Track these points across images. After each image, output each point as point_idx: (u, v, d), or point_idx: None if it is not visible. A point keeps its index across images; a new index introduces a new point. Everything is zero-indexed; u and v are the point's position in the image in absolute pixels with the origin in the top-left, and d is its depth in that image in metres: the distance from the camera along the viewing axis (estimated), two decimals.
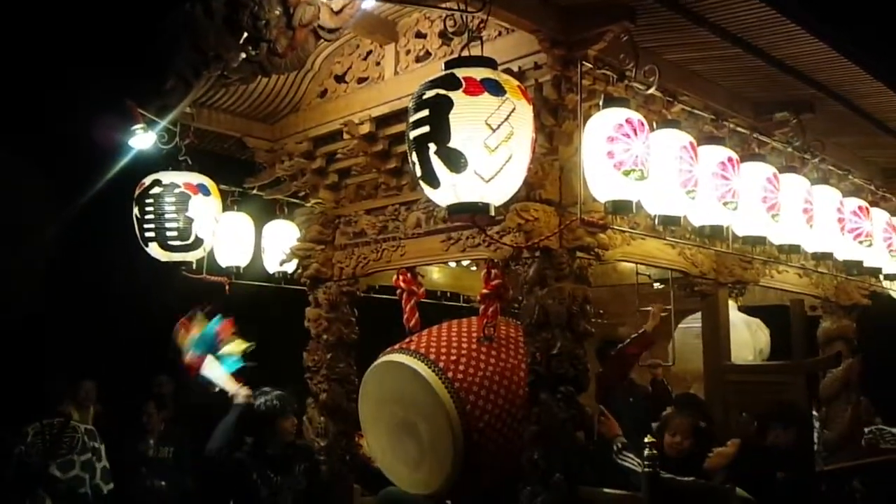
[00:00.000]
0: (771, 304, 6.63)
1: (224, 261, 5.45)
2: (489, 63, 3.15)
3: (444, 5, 3.58)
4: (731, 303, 6.10)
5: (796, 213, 4.34)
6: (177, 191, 4.82)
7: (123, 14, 3.92)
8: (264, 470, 4.48)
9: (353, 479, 5.29)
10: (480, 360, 4.30)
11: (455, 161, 3.05)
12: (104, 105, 4.38)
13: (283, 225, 5.78)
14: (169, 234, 4.79)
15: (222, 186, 5.36)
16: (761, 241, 4.20)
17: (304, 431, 5.21)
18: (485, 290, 4.45)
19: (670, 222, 3.71)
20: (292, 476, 4.41)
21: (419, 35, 4.56)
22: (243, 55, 4.00)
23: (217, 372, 4.90)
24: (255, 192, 5.60)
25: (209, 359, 4.95)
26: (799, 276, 5.72)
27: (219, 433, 4.44)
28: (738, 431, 4.71)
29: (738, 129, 4.32)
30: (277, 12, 3.28)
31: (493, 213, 3.21)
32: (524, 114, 3.12)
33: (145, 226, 4.81)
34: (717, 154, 3.87)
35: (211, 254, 5.36)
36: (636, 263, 4.93)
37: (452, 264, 6.22)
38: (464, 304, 6.56)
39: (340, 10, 3.42)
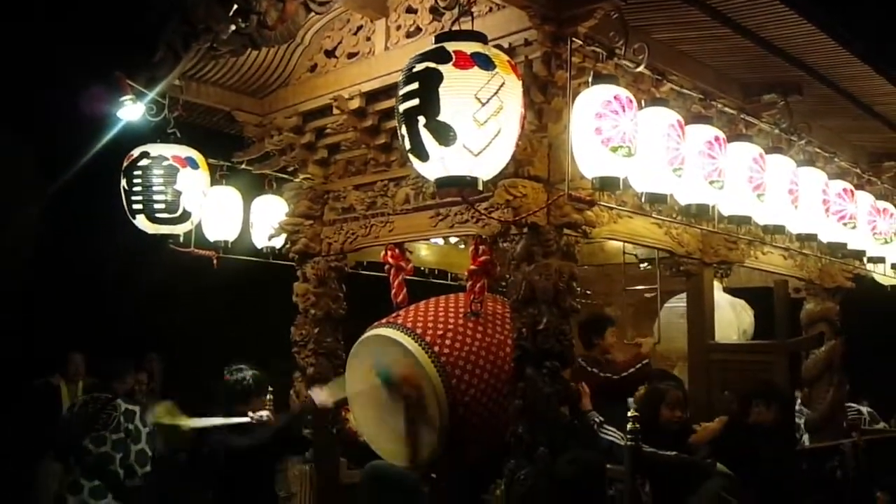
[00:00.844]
0: (756, 285, 6.69)
1: (212, 235, 5.45)
2: (479, 37, 3.16)
3: None
4: (716, 284, 6.15)
5: (782, 193, 4.38)
6: (165, 163, 4.80)
7: None
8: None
9: (340, 452, 5.35)
10: (467, 335, 4.33)
11: (444, 134, 3.07)
12: (93, 76, 4.37)
13: (271, 200, 5.76)
14: (157, 206, 4.78)
15: (211, 160, 5.35)
16: (746, 220, 4.24)
17: (290, 405, 5.24)
18: (472, 266, 4.48)
19: (657, 200, 3.74)
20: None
21: (410, 10, 4.55)
22: (233, 27, 4.02)
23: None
24: (243, 166, 5.59)
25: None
26: (784, 257, 5.77)
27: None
28: (720, 409, 4.78)
29: (726, 109, 4.34)
30: None
31: (481, 188, 3.24)
32: (513, 88, 3.14)
33: (133, 198, 4.79)
34: (704, 133, 3.90)
35: (199, 228, 5.36)
36: (623, 242, 4.96)
37: (441, 242, 6.26)
38: (452, 282, 6.58)
39: None
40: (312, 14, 4.35)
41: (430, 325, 4.33)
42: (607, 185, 3.45)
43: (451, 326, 4.33)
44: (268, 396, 4.87)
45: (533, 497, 3.78)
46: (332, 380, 4.84)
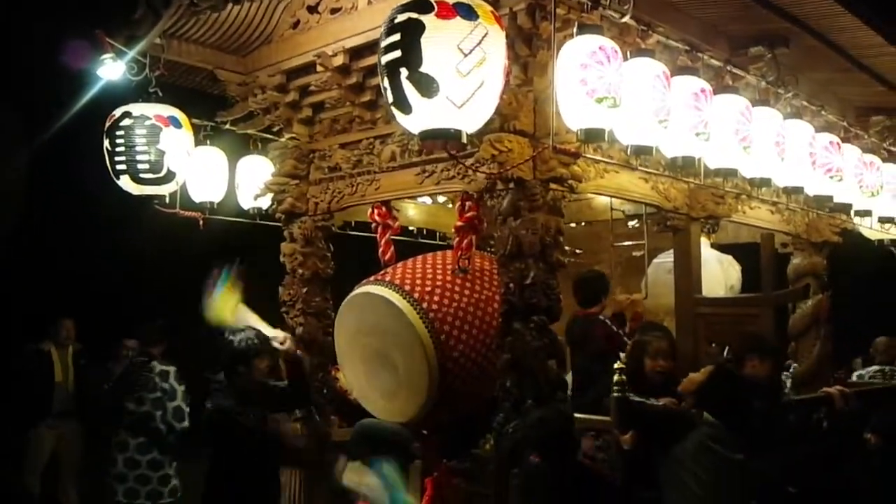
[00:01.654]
0: (744, 241, 6.71)
1: (198, 196, 5.42)
2: None
3: None
4: (703, 240, 6.16)
5: (768, 146, 4.36)
6: (147, 123, 4.76)
7: None
8: (242, 407, 4.44)
9: (332, 411, 5.37)
10: (455, 291, 4.34)
11: (427, 86, 3.05)
12: (72, 34, 4.30)
13: (257, 160, 5.72)
14: (140, 166, 4.74)
15: (194, 121, 5.30)
16: (733, 173, 4.23)
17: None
18: (459, 223, 4.47)
19: (643, 152, 3.72)
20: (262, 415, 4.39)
21: None
22: None
23: (250, 316, 4.78)
24: (227, 126, 5.55)
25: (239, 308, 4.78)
26: (771, 212, 5.79)
27: None
28: (707, 362, 4.81)
29: (713, 61, 4.31)
30: None
31: (465, 140, 3.22)
32: (497, 39, 3.11)
33: (116, 158, 4.76)
34: (690, 85, 3.86)
35: (184, 189, 5.33)
36: (609, 196, 4.96)
37: (429, 201, 6.24)
38: (440, 242, 6.57)
39: None
40: None
41: (417, 281, 4.34)
42: (592, 136, 3.43)
43: (438, 283, 4.35)
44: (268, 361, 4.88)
45: (521, 450, 3.81)
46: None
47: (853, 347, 7.13)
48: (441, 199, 6.10)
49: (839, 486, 4.60)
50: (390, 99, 3.17)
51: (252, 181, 5.59)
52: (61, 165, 7.06)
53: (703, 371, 3.78)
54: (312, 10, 4.91)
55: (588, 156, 4.03)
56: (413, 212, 6.30)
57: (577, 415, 3.97)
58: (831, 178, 4.96)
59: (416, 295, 4.25)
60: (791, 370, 6.25)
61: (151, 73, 4.85)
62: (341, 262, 5.42)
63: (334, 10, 4.79)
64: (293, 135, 5.30)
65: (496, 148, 3.90)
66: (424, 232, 6.64)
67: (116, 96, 4.88)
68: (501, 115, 4.00)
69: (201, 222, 5.38)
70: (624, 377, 3.74)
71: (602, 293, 5.17)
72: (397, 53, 3.08)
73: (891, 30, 4.77)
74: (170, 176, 4.83)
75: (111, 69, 4.61)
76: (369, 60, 4.53)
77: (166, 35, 4.91)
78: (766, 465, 4.14)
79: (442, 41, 3.01)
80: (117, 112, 4.79)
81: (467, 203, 4.45)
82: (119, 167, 4.77)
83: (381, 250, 4.90)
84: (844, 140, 5.27)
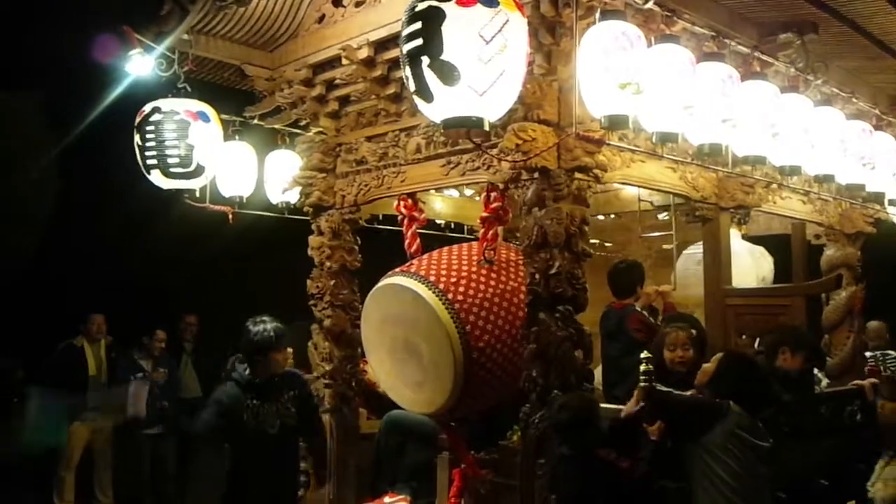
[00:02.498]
0: (776, 233, 6.63)
1: (227, 191, 5.48)
2: None
3: None
4: (735, 231, 6.11)
5: (797, 133, 4.30)
6: (177, 118, 4.83)
7: None
8: (250, 399, 4.47)
9: (360, 403, 5.41)
10: (480, 282, 4.33)
11: (448, 74, 3.04)
12: (100, 29, 4.37)
13: (285, 154, 5.78)
14: (170, 161, 4.82)
15: (223, 116, 5.37)
16: (762, 161, 4.17)
17: (309, 357, 5.30)
18: (484, 214, 4.47)
19: (668, 139, 3.69)
20: (280, 403, 4.42)
21: None
22: None
23: None
24: (255, 121, 5.60)
25: None
26: (802, 202, 5.70)
27: None
28: None
29: (740, 47, 4.25)
30: None
31: (487, 128, 3.21)
32: (518, 26, 3.10)
33: (147, 153, 4.83)
34: (716, 71, 3.82)
35: (214, 184, 5.40)
36: (636, 186, 4.91)
37: (456, 194, 6.25)
38: (468, 235, 6.57)
39: None
40: None
41: (443, 272, 4.34)
42: (616, 123, 3.41)
43: (464, 274, 4.34)
44: (289, 350, 4.93)
45: (547, 440, 3.81)
46: None
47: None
48: (468, 192, 6.10)
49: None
50: (412, 88, 3.17)
51: (280, 175, 5.64)
52: (92, 161, 7.17)
53: (713, 359, 3.73)
54: (337, 3, 4.94)
55: (613, 143, 3.99)
56: (441, 205, 6.31)
57: (603, 405, 3.97)
58: (863, 166, 4.88)
59: (441, 286, 4.25)
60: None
61: (180, 68, 4.92)
62: (369, 256, 5.46)
63: (359, 3, 4.81)
64: (320, 129, 5.34)
65: (520, 137, 3.89)
66: (452, 225, 6.66)
67: (147, 92, 4.96)
68: (525, 105, 3.99)
69: (230, 216, 5.44)
70: (651, 366, 3.71)
71: (637, 283, 5.10)
72: (418, 42, 3.08)
73: None
74: (199, 170, 4.89)
75: (139, 65, 4.67)
76: (394, 53, 4.53)
77: (194, 31, 4.97)
78: (797, 457, 4.12)
79: (463, 29, 3.00)
80: (147, 108, 4.87)
81: (492, 194, 4.44)
82: (150, 162, 4.84)
83: (406, 242, 4.91)
84: (877, 128, 5.18)
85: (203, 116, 4.90)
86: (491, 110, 3.17)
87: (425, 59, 3.07)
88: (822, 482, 4.38)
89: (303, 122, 5.50)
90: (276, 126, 5.68)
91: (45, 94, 6.57)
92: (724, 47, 4.20)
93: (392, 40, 4.51)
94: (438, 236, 6.40)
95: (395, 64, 4.62)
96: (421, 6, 3.06)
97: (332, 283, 5.21)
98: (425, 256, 4.65)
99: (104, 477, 7.31)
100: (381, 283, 4.56)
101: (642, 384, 3.65)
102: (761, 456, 3.56)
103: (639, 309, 4.84)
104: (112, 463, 7.32)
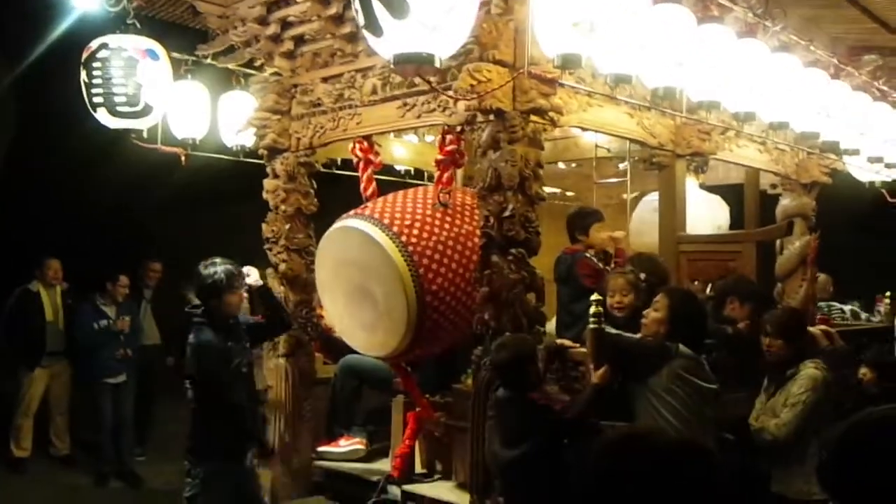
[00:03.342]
0: (734, 182, 6.67)
1: (179, 132, 5.36)
2: None
3: None
4: (692, 179, 6.14)
5: (753, 79, 4.28)
6: (125, 55, 4.71)
7: None
8: (226, 340, 4.44)
9: (316, 348, 5.39)
10: (435, 225, 4.31)
11: (398, 7, 2.98)
12: None
13: (240, 96, 5.64)
14: (117, 99, 4.70)
15: (175, 55, 5.24)
16: (716, 105, 4.16)
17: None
18: (439, 156, 4.42)
19: (622, 81, 3.66)
20: (243, 343, 4.41)
21: None
22: None
23: None
24: (208, 60, 5.45)
25: None
26: (759, 151, 5.73)
27: None
28: None
29: None
30: None
31: (438, 65, 3.15)
32: None
33: (93, 91, 4.71)
34: (671, 13, 3.78)
35: (166, 124, 5.27)
36: (593, 131, 4.88)
37: (415, 140, 6.19)
38: (428, 182, 6.52)
39: None
40: None
41: (397, 215, 4.31)
42: (569, 62, 3.36)
43: (418, 217, 4.31)
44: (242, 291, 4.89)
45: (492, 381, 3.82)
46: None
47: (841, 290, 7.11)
48: (429, 138, 6.03)
49: None
50: (361, 22, 3.10)
51: (235, 118, 5.52)
52: (39, 98, 6.95)
53: (656, 303, 3.72)
54: None
55: (569, 84, 3.95)
56: (400, 150, 6.25)
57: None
58: (818, 114, 4.89)
59: (395, 228, 4.22)
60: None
61: (129, 3, 4.76)
62: (330, 201, 5.38)
63: None
64: (275, 69, 5.21)
65: (475, 78, 3.83)
66: (412, 172, 6.61)
67: (96, 28, 4.80)
68: (481, 45, 3.93)
69: (183, 158, 5.34)
70: (601, 309, 3.73)
71: (577, 230, 5.10)
72: None
73: None
74: (147, 109, 4.78)
75: None
76: None
77: None
78: (743, 398, 4.19)
79: None
80: (94, 44, 4.73)
81: (448, 136, 4.39)
82: (96, 100, 4.72)
83: (362, 186, 4.85)
84: (834, 77, 5.19)
85: (152, 54, 4.77)
86: (442, 46, 3.11)
87: None
88: None
89: (258, 63, 5.37)
90: (230, 66, 5.54)
91: None
92: None
93: None
94: (398, 182, 6.34)
95: (350, 2, 4.51)
96: None
97: (287, 226, 5.15)
98: (380, 199, 4.60)
99: (60, 423, 7.26)
100: (334, 226, 4.52)
101: (591, 326, 3.67)
102: (707, 397, 3.61)
103: (589, 255, 4.83)
104: (69, 409, 7.28)
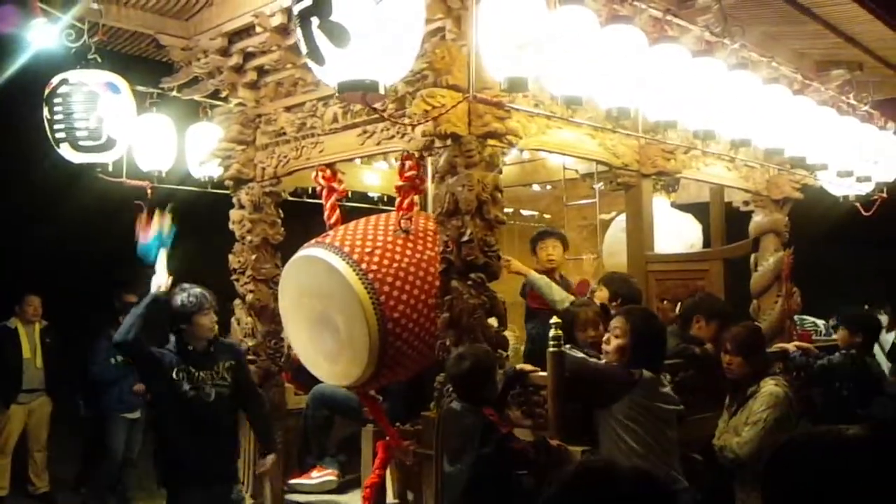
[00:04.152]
0: (706, 201, 6.64)
1: (145, 165, 5.35)
2: None
3: None
4: (663, 198, 6.13)
5: (711, 97, 4.27)
6: (85, 89, 4.70)
7: None
8: (186, 365, 4.40)
9: (287, 378, 5.34)
10: (396, 251, 4.28)
11: (338, 35, 2.96)
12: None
13: (207, 127, 5.64)
14: (79, 133, 4.69)
15: (140, 87, 5.25)
16: (672, 125, 4.16)
17: (231, 332, 5.21)
18: (399, 182, 4.41)
19: (574, 102, 3.65)
20: (215, 371, 4.35)
21: None
22: None
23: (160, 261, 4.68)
24: (174, 93, 5.45)
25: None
26: (727, 168, 5.72)
27: (127, 321, 4.31)
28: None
29: (651, 9, 4.22)
30: None
31: (382, 91, 3.13)
32: None
33: (55, 126, 4.70)
34: (624, 33, 3.78)
35: (132, 158, 5.27)
36: (554, 153, 4.88)
37: (385, 166, 6.18)
38: None
39: None
40: None
41: (357, 243, 4.28)
42: (516, 85, 3.35)
43: (379, 244, 4.28)
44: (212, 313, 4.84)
45: None
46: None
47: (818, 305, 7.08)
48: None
49: None
50: (304, 50, 3.09)
51: (202, 149, 5.52)
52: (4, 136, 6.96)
53: (613, 326, 3.67)
54: None
55: (524, 108, 3.95)
56: (373, 178, 6.24)
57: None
58: (782, 130, 4.88)
59: (355, 256, 4.19)
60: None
61: (90, 39, 4.77)
62: (299, 229, 5.36)
63: None
64: (240, 100, 5.21)
65: (428, 103, 3.83)
66: (385, 199, 6.59)
67: (58, 63, 4.81)
68: (435, 70, 3.94)
69: (149, 191, 5.32)
70: (560, 332, 3.69)
71: (535, 245, 5.24)
72: (308, 2, 3.00)
73: None
74: (110, 143, 4.77)
75: (44, 35, 4.53)
76: None
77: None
78: (712, 418, 4.14)
79: None
80: (55, 80, 4.72)
81: (407, 162, 4.38)
82: (59, 135, 4.71)
83: (326, 214, 4.83)
84: (797, 92, 5.19)
85: (113, 88, 4.76)
86: (386, 73, 3.10)
87: (315, 20, 2.99)
88: None
89: (224, 94, 5.37)
90: (196, 97, 5.54)
91: None
92: (636, 11, 4.17)
93: None
94: (372, 210, 6.32)
95: None
96: None
97: (254, 257, 5.13)
98: (342, 227, 4.58)
99: (39, 460, 7.17)
100: (296, 255, 4.49)
101: (551, 350, 3.63)
102: (669, 421, 3.56)
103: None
104: (47, 446, 7.20)
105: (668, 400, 3.59)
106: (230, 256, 5.22)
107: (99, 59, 4.79)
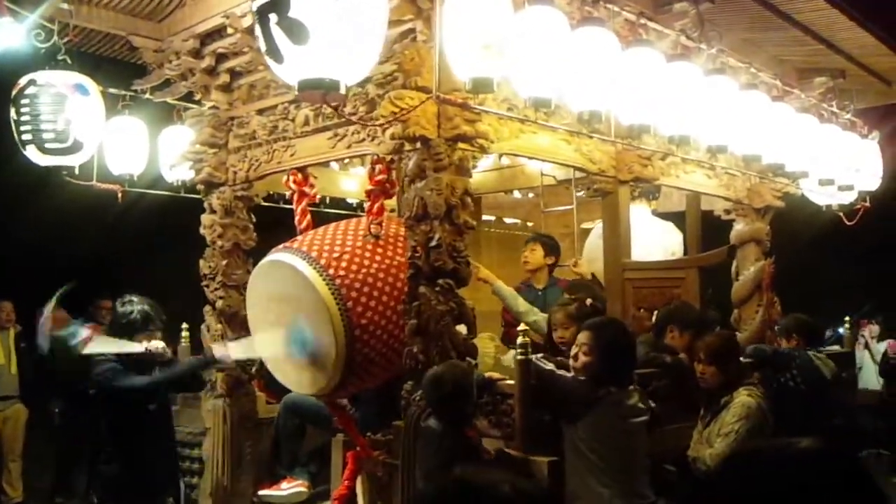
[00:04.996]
0: None
1: (116, 168, 5.26)
2: None
3: None
4: (644, 206, 6.06)
5: (686, 102, 4.21)
6: (53, 91, 4.62)
7: None
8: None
9: (259, 386, 5.25)
10: (365, 257, 4.19)
11: (297, 33, 2.89)
12: None
13: (181, 130, 5.56)
14: (46, 136, 4.61)
15: (112, 90, 5.18)
16: (646, 129, 4.08)
17: (202, 338, 5.13)
18: (369, 186, 4.33)
19: (542, 105, 3.58)
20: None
21: None
22: None
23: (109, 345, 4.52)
24: (147, 95, 5.38)
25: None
26: (707, 176, 5.65)
27: (164, 380, 4.34)
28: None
29: (625, 13, 4.16)
30: None
31: (343, 91, 3.06)
32: None
33: (22, 128, 4.62)
34: (596, 36, 3.72)
35: (103, 161, 5.18)
36: (528, 158, 4.81)
37: (363, 171, 6.09)
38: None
39: None
40: None
41: (325, 248, 4.19)
42: (480, 86, 3.29)
43: (347, 249, 4.19)
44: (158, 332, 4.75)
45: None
46: (240, 339, 4.67)
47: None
48: None
49: None
50: (263, 48, 3.02)
51: (175, 152, 5.44)
52: None
53: (580, 340, 3.59)
54: None
55: (494, 111, 3.89)
56: (352, 184, 6.17)
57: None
58: (760, 137, 4.82)
59: (322, 262, 4.10)
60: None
61: (60, 39, 4.69)
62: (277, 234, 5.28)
63: None
64: (213, 102, 5.14)
65: (396, 105, 3.75)
66: (364, 205, 6.50)
67: (27, 64, 4.73)
68: (404, 72, 3.87)
69: (119, 195, 5.24)
70: (528, 339, 3.61)
71: None
72: None
73: None
74: (78, 146, 4.68)
75: (11, 34, 4.45)
76: None
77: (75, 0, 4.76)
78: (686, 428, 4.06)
79: None
80: (23, 80, 4.64)
81: (377, 166, 4.31)
82: (25, 137, 4.63)
83: (297, 219, 4.74)
84: (777, 99, 5.13)
85: (82, 89, 4.68)
86: (347, 72, 3.02)
87: (273, 17, 2.92)
88: None
89: (197, 96, 5.29)
90: (169, 100, 5.47)
91: None
92: (611, 14, 4.11)
93: None
94: (351, 215, 6.24)
95: None
96: None
97: (225, 262, 5.04)
98: (311, 232, 4.50)
99: (14, 470, 7.06)
100: (263, 261, 4.40)
101: (518, 357, 3.56)
102: (636, 434, 3.48)
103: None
104: (22, 455, 7.08)
105: (636, 412, 3.50)
106: (200, 262, 5.13)
107: (69, 61, 4.71)
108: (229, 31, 4.63)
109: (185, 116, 5.33)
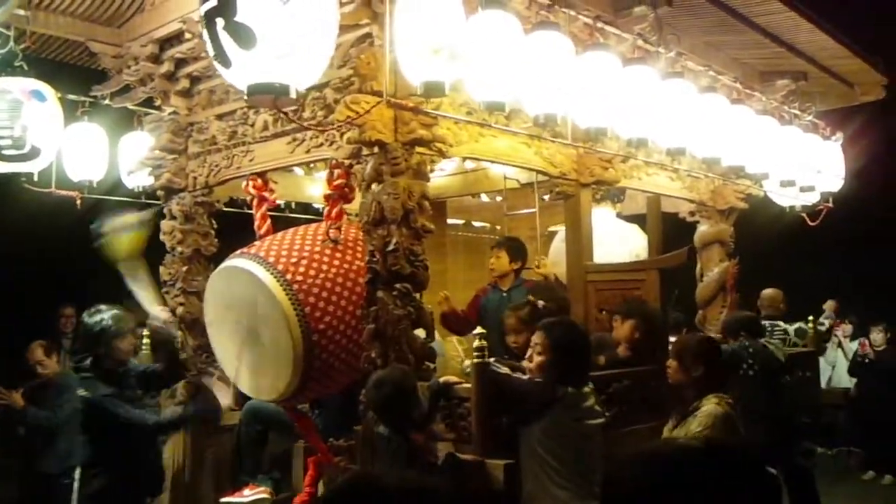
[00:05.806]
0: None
1: (75, 175, 5.20)
2: None
3: None
4: (608, 209, 6.08)
5: (643, 105, 4.23)
6: (9, 97, 4.56)
7: None
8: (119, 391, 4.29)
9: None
10: (323, 262, 4.17)
11: (244, 37, 2.87)
12: None
13: (142, 136, 5.50)
14: (3, 142, 4.55)
15: (71, 96, 5.12)
16: (603, 133, 4.10)
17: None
18: (328, 191, 4.31)
19: (496, 108, 3.58)
20: (129, 389, 4.25)
21: None
22: None
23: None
24: (106, 101, 5.32)
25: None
26: (670, 178, 5.68)
27: (174, 417, 4.44)
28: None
29: (581, 16, 4.17)
30: None
31: (293, 95, 3.04)
32: None
33: None
34: (550, 40, 3.72)
35: (62, 168, 5.13)
36: (487, 162, 4.81)
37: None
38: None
39: None
40: None
41: (283, 253, 4.16)
42: (432, 90, 3.28)
43: (305, 254, 4.17)
44: (141, 339, 4.77)
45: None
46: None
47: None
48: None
49: None
50: (211, 52, 3.00)
51: (136, 158, 5.38)
52: None
53: (534, 343, 3.58)
54: None
55: (445, 114, 3.89)
56: (315, 188, 6.13)
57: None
58: (719, 139, 4.85)
59: (280, 267, 4.07)
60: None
61: (17, 45, 4.63)
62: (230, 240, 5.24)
63: None
64: (173, 108, 5.10)
65: (352, 109, 3.74)
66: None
67: None
68: (360, 76, 3.85)
69: (78, 202, 5.18)
70: (485, 342, 3.61)
71: None
72: (213, 2, 2.91)
73: None
74: (35, 152, 4.63)
75: None
76: None
77: (32, 5, 4.71)
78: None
79: None
80: None
81: (336, 171, 4.29)
82: None
83: (256, 224, 4.71)
84: (737, 102, 5.16)
85: (38, 95, 4.63)
86: (297, 76, 3.01)
87: (220, 21, 2.90)
88: None
89: (158, 102, 5.25)
90: (130, 106, 5.41)
91: None
92: (569, 18, 4.12)
93: None
94: (317, 220, 6.20)
95: None
96: None
97: (185, 269, 5.00)
98: (269, 237, 4.47)
99: None
100: (220, 266, 4.37)
101: (474, 361, 3.55)
102: (592, 436, 3.47)
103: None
104: None
105: (592, 414, 3.49)
106: (160, 268, 5.08)
107: (25, 67, 4.66)
108: (187, 36, 4.61)
109: (145, 122, 5.28)
